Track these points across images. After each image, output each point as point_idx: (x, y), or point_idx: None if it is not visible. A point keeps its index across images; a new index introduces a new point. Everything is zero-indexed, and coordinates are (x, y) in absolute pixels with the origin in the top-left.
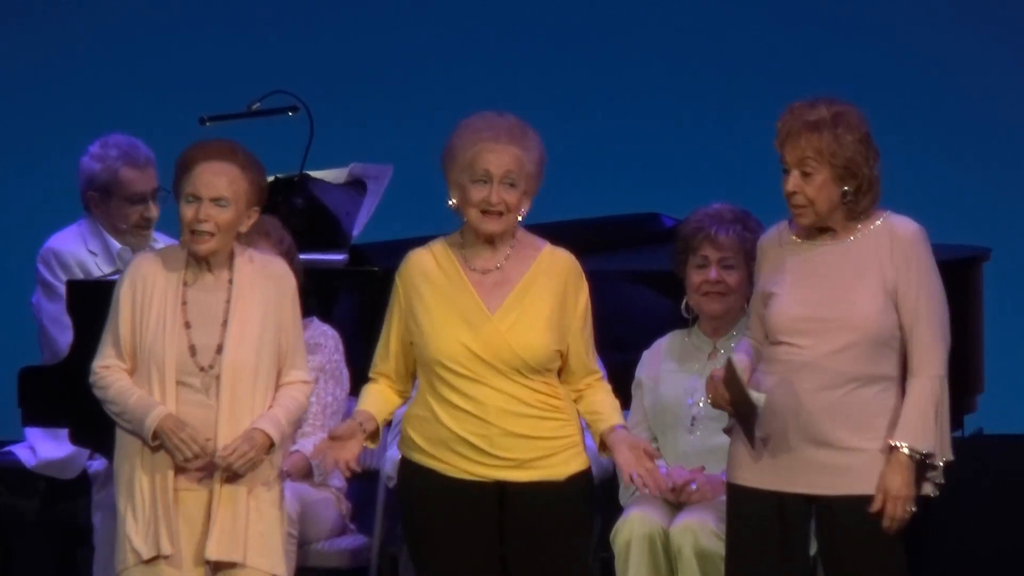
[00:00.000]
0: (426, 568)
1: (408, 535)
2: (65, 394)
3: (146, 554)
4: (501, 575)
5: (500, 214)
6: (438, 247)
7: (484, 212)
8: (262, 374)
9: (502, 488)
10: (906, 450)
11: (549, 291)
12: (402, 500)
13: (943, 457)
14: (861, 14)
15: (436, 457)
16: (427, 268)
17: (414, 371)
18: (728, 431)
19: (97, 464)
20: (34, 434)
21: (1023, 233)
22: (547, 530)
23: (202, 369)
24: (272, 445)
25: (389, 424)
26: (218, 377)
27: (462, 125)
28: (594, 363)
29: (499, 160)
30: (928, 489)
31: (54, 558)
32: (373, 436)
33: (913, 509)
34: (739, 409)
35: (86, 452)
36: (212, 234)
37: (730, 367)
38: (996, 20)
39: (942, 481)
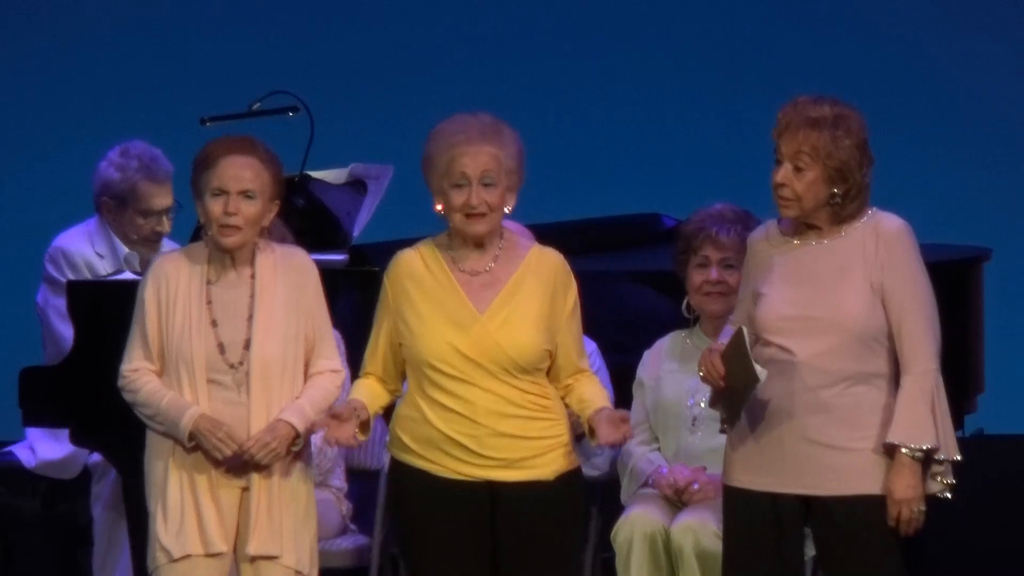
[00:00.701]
0: (418, 568)
1: (400, 533)
2: (66, 395)
3: (177, 553)
4: (492, 575)
5: (483, 215)
6: (425, 248)
7: (468, 215)
8: (290, 366)
9: (492, 488)
10: (905, 450)
11: (538, 290)
12: (393, 501)
13: (948, 454)
14: (863, 13)
15: (425, 457)
16: (415, 269)
17: (403, 371)
18: (724, 431)
19: (96, 456)
20: (34, 434)
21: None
22: (537, 530)
23: (232, 366)
24: (297, 436)
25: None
26: (248, 372)
27: (435, 131)
28: (583, 361)
29: (474, 161)
30: (935, 488)
31: (54, 558)
32: (364, 426)
33: (923, 508)
34: (734, 384)
35: (84, 453)
36: (240, 227)
37: (740, 336)
38: (997, 19)
39: (952, 481)
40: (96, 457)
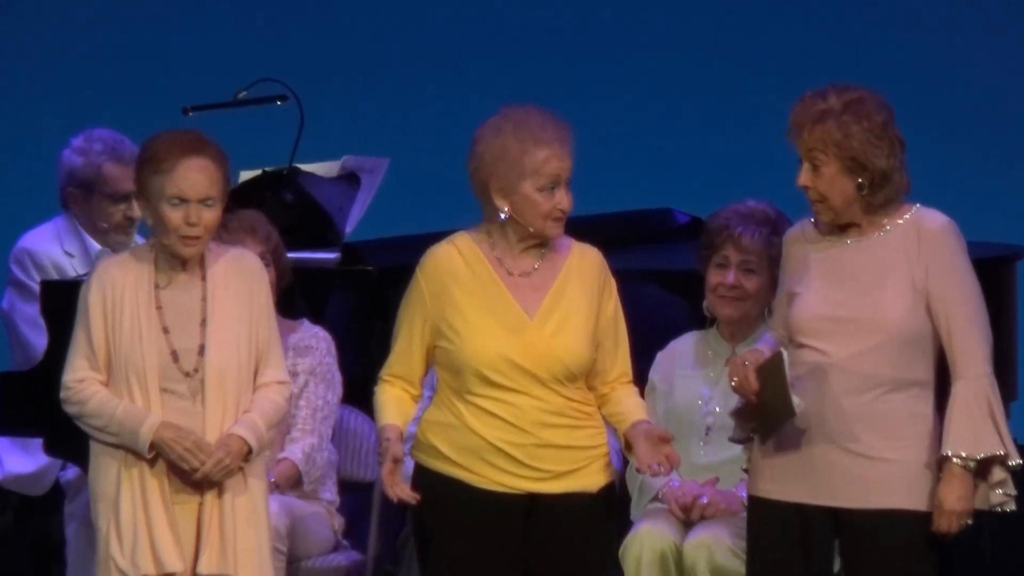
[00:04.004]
0: None
1: (422, 545)
2: (39, 401)
3: (132, 574)
4: None
5: (564, 219)
6: (463, 243)
7: (556, 219)
8: (244, 373)
9: (532, 500)
10: (958, 460)
11: (583, 293)
12: (418, 510)
13: (1014, 458)
14: (887, 5)
15: (463, 466)
16: (455, 268)
17: (428, 373)
18: (737, 441)
19: (69, 473)
20: (2, 446)
21: None
22: (575, 542)
23: (187, 375)
24: (250, 452)
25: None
26: (203, 380)
27: (512, 125)
28: (623, 364)
29: (564, 164)
30: (996, 500)
31: (27, 574)
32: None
33: (970, 521)
34: (767, 407)
35: (56, 467)
36: (200, 237)
37: (779, 359)
38: None
39: (1013, 492)
40: (69, 474)
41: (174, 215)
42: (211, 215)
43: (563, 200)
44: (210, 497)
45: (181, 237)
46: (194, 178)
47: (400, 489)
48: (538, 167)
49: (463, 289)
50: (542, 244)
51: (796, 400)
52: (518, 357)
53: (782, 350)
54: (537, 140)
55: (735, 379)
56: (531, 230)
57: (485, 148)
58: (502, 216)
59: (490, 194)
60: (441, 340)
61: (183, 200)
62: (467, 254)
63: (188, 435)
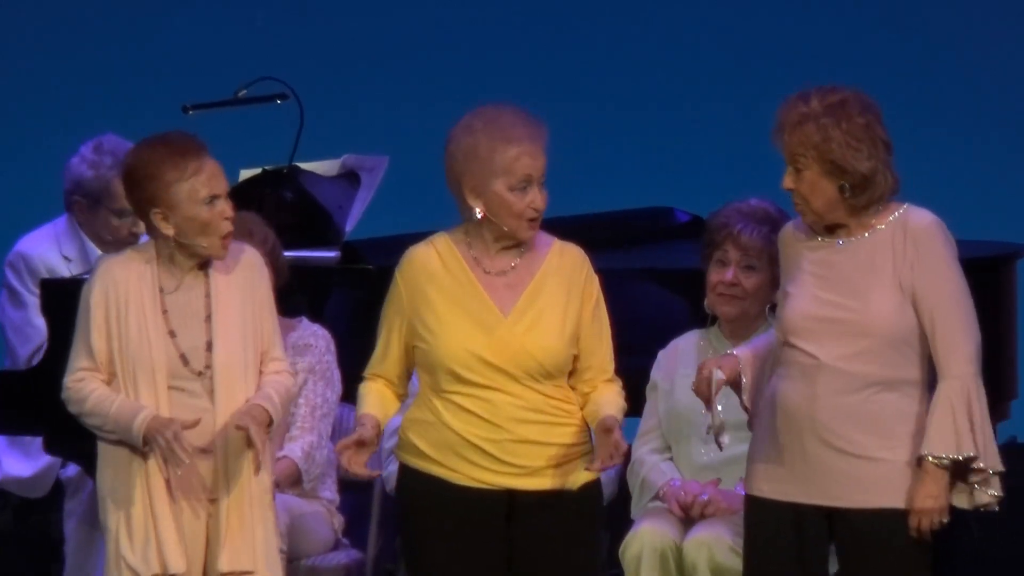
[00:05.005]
0: None
1: (407, 545)
2: (39, 399)
3: (144, 572)
4: None
5: (539, 218)
6: (442, 244)
7: (531, 220)
8: (251, 367)
9: (511, 496)
10: (931, 459)
11: (561, 290)
12: (401, 508)
13: (988, 463)
14: (887, 4)
15: (441, 463)
16: (432, 268)
17: (411, 373)
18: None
19: (70, 471)
20: (1, 448)
21: None
22: (557, 541)
23: (199, 374)
24: (270, 423)
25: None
26: (212, 377)
27: (481, 122)
28: (604, 362)
29: (536, 162)
30: (982, 500)
31: (27, 573)
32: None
33: (944, 520)
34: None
35: (55, 469)
36: (233, 229)
37: (708, 375)
38: None
39: (998, 493)
40: (69, 471)
41: (212, 214)
42: (231, 206)
43: (536, 199)
44: (224, 495)
45: (223, 236)
46: (219, 174)
47: (357, 465)
48: (508, 166)
49: (439, 289)
50: (519, 243)
51: (716, 411)
52: (489, 354)
53: (714, 369)
54: (508, 138)
55: (694, 384)
56: (505, 230)
57: (457, 147)
58: (476, 215)
59: (464, 194)
60: (417, 340)
61: (215, 197)
62: (445, 254)
63: (170, 424)
